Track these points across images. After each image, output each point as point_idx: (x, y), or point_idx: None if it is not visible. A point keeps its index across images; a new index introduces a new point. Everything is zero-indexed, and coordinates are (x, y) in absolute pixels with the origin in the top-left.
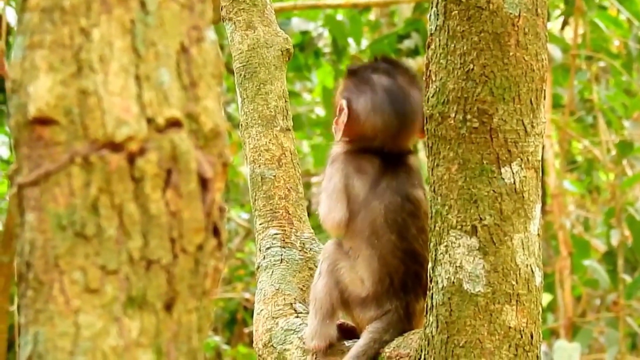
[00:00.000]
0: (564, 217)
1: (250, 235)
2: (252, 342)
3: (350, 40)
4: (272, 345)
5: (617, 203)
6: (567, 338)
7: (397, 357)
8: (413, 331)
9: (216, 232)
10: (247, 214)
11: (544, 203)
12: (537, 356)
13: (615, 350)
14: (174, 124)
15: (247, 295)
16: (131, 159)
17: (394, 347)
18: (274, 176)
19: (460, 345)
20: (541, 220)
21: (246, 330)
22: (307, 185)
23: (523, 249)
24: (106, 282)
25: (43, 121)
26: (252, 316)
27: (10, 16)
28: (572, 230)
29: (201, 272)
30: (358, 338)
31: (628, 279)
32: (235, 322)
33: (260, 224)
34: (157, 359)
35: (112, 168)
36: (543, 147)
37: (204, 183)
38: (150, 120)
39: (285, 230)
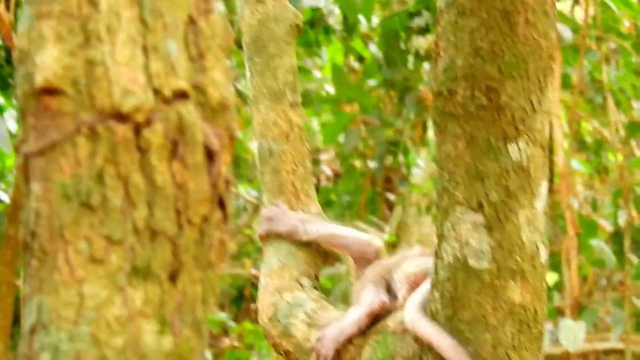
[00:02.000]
0: (572, 197)
1: (258, 211)
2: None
3: (361, 17)
4: (277, 319)
5: (625, 183)
6: (573, 317)
7: (402, 332)
8: None
9: (222, 204)
10: (256, 191)
11: (551, 182)
12: (541, 332)
13: (620, 329)
14: (181, 95)
15: (254, 272)
16: (137, 129)
17: (398, 322)
18: (282, 151)
19: (465, 320)
20: (548, 199)
21: (253, 307)
22: (316, 162)
23: (528, 225)
24: (111, 252)
25: (50, 91)
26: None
27: None
28: (579, 211)
29: (206, 243)
30: None
31: (635, 259)
32: (242, 299)
33: (267, 199)
34: (160, 329)
35: (118, 138)
36: (551, 126)
37: (210, 155)
38: (156, 91)
39: (292, 204)
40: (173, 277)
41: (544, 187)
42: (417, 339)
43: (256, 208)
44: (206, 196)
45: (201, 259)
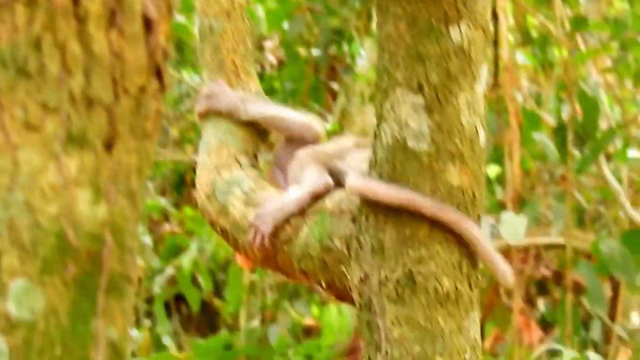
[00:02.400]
0: (516, 90)
1: None
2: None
3: None
4: (214, 197)
5: (569, 78)
6: (514, 210)
7: (339, 213)
8: None
9: (159, 74)
10: (200, 77)
11: (496, 76)
12: (480, 216)
13: (561, 223)
14: None
15: (196, 158)
16: None
17: (336, 203)
18: (223, 29)
19: None
20: (492, 93)
21: (194, 193)
22: (260, 49)
23: (468, 108)
24: (46, 119)
25: None
26: None
27: None
28: (523, 105)
29: (142, 113)
30: None
31: (577, 153)
32: (183, 185)
33: (207, 75)
34: (95, 197)
35: (57, 6)
36: (496, 19)
37: (148, 25)
38: None
39: (231, 82)
40: (108, 146)
41: (484, 70)
42: (354, 219)
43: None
44: (143, 66)
45: (137, 128)
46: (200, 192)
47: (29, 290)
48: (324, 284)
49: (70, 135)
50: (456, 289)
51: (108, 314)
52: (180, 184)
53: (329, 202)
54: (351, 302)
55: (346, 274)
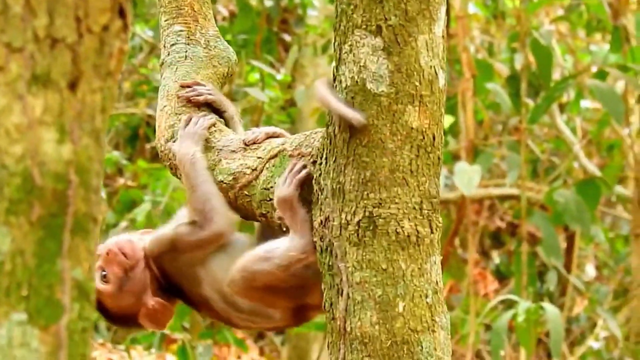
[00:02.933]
0: (468, 40)
1: (154, 52)
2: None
3: None
4: (174, 141)
5: (522, 27)
6: (468, 161)
7: (299, 156)
8: (315, 130)
9: (122, 13)
10: (152, 30)
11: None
12: (439, 158)
13: (515, 174)
14: None
15: (149, 112)
16: None
17: (296, 146)
18: None
19: (363, 144)
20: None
21: (147, 146)
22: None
23: (427, 50)
24: (11, 59)
25: None
26: (154, 132)
27: None
28: (476, 56)
29: (106, 52)
30: None
31: (531, 103)
32: (137, 138)
33: (165, 21)
34: (60, 137)
35: None
36: None
37: None
38: None
39: (190, 27)
40: (73, 86)
41: (442, 12)
42: (314, 162)
43: (152, 48)
44: (106, 5)
45: (101, 67)
46: (160, 137)
47: None
48: (283, 228)
49: (34, 75)
50: (417, 231)
51: (74, 253)
52: (134, 138)
53: (288, 146)
54: None
55: None
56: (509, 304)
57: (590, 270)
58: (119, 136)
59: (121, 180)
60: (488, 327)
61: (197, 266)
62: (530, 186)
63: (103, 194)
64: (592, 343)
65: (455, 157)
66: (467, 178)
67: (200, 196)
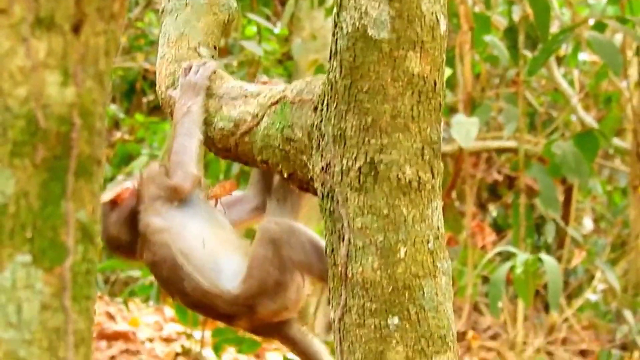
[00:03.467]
0: None
1: (150, 5)
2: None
3: None
4: (174, 88)
5: None
6: (466, 113)
7: (300, 102)
8: (316, 77)
9: None
10: None
11: None
12: (440, 104)
13: (513, 126)
14: None
15: (146, 65)
16: None
17: (297, 92)
18: None
19: (364, 90)
20: None
21: (144, 100)
22: None
23: None
24: (14, 2)
25: None
26: (150, 86)
27: None
28: (473, 8)
29: None
30: None
31: (529, 55)
32: (133, 92)
33: None
34: (63, 80)
35: None
36: None
37: None
38: None
39: None
40: (76, 29)
41: None
42: (315, 108)
43: (148, 2)
44: None
45: (104, 10)
46: (161, 84)
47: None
48: (285, 174)
49: (38, 18)
50: (418, 177)
51: (78, 195)
52: (131, 92)
53: (289, 92)
54: (313, 192)
55: (307, 164)
56: (506, 256)
57: (588, 223)
58: (116, 90)
59: (118, 134)
60: (486, 280)
61: (149, 213)
62: (528, 139)
63: None
64: (590, 295)
65: (452, 110)
66: (465, 130)
67: (176, 147)
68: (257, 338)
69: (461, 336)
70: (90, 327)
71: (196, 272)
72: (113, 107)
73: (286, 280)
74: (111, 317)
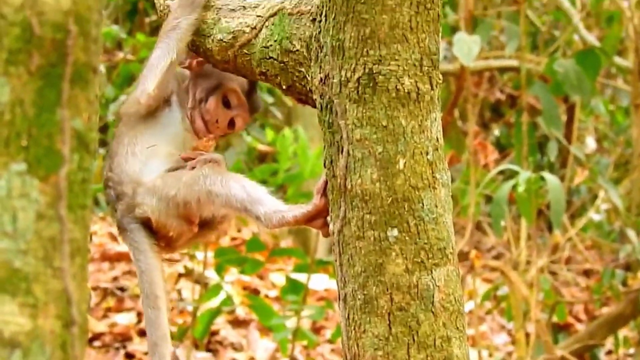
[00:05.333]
0: None
1: None
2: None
3: None
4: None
5: None
6: (467, 31)
7: (298, 14)
8: None
9: None
10: None
11: None
12: (438, 14)
13: (515, 44)
14: None
15: None
16: None
17: (295, 4)
18: None
19: (362, 1)
20: None
21: (147, 20)
22: None
23: None
24: None
25: None
26: (152, 7)
27: None
28: None
29: None
30: None
31: None
32: (136, 12)
33: None
34: None
35: None
36: None
37: None
38: None
39: None
40: None
41: None
42: (314, 20)
43: None
44: None
45: None
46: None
47: None
48: (283, 86)
49: None
50: (417, 88)
51: (73, 103)
52: (133, 12)
53: (287, 4)
54: (312, 104)
55: (306, 75)
56: (509, 176)
57: (591, 143)
58: (118, 10)
59: (120, 54)
60: (489, 200)
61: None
62: (530, 58)
63: (102, 68)
64: (593, 215)
65: (454, 29)
66: (467, 48)
67: (149, 61)
68: (261, 258)
69: (464, 256)
70: (86, 237)
71: (127, 157)
72: (115, 28)
73: (189, 206)
74: (114, 238)
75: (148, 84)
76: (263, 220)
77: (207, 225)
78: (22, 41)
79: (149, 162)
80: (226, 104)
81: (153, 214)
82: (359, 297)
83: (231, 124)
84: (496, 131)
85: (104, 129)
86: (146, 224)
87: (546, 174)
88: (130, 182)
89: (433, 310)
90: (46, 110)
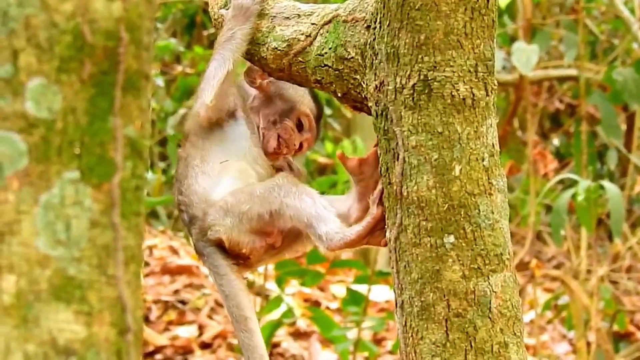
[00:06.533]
0: None
1: None
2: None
3: None
4: (227, 9)
5: None
6: (526, 41)
7: (353, 21)
8: None
9: None
10: None
11: None
12: (493, 20)
13: (573, 53)
14: None
15: None
16: None
17: (349, 11)
18: None
19: (417, 7)
20: None
21: (205, 33)
22: None
23: None
24: None
25: None
26: (210, 19)
27: None
28: None
29: None
30: None
31: None
32: (194, 26)
33: None
34: None
35: None
36: None
37: None
38: None
39: None
40: None
41: None
42: (368, 27)
43: None
44: None
45: None
46: (213, 5)
47: (46, 89)
48: (339, 94)
49: None
50: (472, 94)
51: (125, 111)
52: (191, 26)
53: (342, 11)
54: (367, 111)
55: (361, 83)
56: (569, 185)
57: None
58: (176, 24)
59: (179, 68)
60: (548, 209)
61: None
62: (588, 67)
63: (161, 82)
64: None
65: (512, 39)
66: (525, 57)
67: (206, 74)
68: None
69: (525, 265)
70: (140, 244)
71: (197, 177)
72: (173, 41)
73: (262, 219)
74: (174, 251)
75: (206, 96)
76: (324, 240)
77: (285, 242)
78: (73, 49)
79: (221, 179)
80: (299, 127)
81: (225, 233)
82: (416, 304)
83: (300, 146)
84: (555, 140)
85: (163, 142)
86: (221, 246)
87: (606, 183)
88: (200, 203)
89: (490, 316)
90: (98, 118)
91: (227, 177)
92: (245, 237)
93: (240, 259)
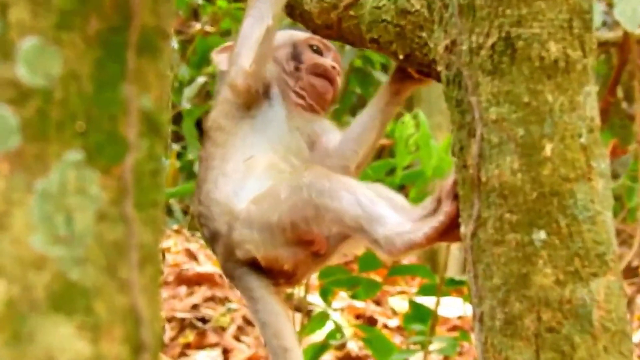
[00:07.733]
0: None
1: None
2: None
3: None
4: None
5: None
6: None
7: None
8: None
9: None
10: None
11: None
12: None
13: None
14: None
15: None
16: None
17: None
18: None
19: None
20: None
21: None
22: None
23: None
24: None
25: None
26: None
27: None
28: None
29: None
30: None
31: None
32: None
33: None
34: None
35: None
36: None
37: None
38: None
39: None
40: None
41: None
42: None
43: None
44: None
45: None
46: None
47: (43, 51)
48: (400, 56)
49: None
50: (566, 55)
51: (140, 77)
52: None
53: None
54: (435, 77)
55: (428, 42)
56: None
57: None
58: None
59: (197, 26)
60: None
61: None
62: None
63: (175, 43)
64: None
65: None
66: (631, 10)
67: (240, 32)
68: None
69: (633, 271)
70: (158, 241)
71: (217, 181)
72: None
73: (298, 227)
74: (192, 256)
75: (243, 61)
76: (383, 246)
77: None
78: (76, 1)
79: (245, 182)
80: (318, 52)
81: (258, 250)
82: (499, 316)
83: (333, 80)
84: None
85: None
86: (254, 264)
87: None
88: (222, 215)
89: (591, 331)
90: (107, 86)
91: (252, 179)
92: (283, 251)
93: (282, 277)
